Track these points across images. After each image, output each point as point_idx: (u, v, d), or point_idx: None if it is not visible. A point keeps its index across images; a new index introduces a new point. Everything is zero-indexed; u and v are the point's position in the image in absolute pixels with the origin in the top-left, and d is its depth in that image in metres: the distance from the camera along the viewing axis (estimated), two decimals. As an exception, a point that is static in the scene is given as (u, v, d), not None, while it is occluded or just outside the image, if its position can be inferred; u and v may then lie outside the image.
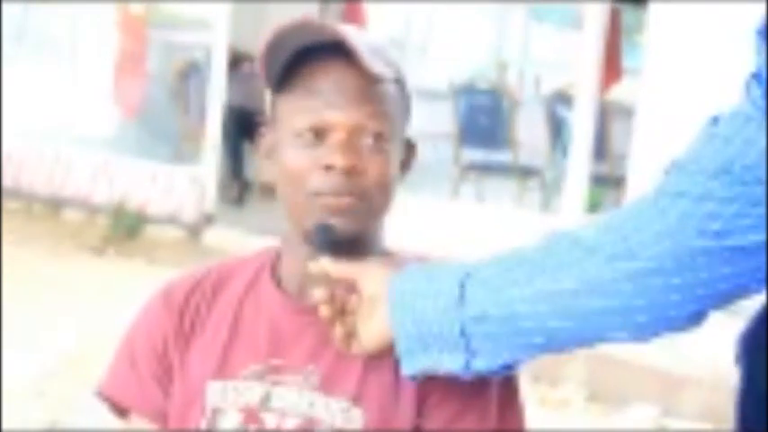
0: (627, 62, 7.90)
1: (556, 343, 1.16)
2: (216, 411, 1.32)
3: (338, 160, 1.24)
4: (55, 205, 8.09)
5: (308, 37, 1.27)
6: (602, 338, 1.15)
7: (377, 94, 1.28)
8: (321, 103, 1.27)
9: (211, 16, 8.05)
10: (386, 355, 1.26)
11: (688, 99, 5.44)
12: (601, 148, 7.16)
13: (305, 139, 1.27)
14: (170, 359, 1.37)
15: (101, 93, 8.86)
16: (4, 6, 8.52)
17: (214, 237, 7.36)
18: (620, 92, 7.78)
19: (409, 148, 1.36)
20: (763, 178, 1.04)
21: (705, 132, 1.10)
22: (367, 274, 1.24)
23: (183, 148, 8.56)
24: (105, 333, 3.39)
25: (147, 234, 7.55)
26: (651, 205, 1.10)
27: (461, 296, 1.16)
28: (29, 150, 8.38)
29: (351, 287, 1.25)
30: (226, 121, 7.68)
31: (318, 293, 1.24)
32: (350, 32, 1.27)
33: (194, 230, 7.54)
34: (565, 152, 7.01)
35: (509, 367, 1.19)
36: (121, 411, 1.40)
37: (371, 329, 1.23)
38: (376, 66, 1.27)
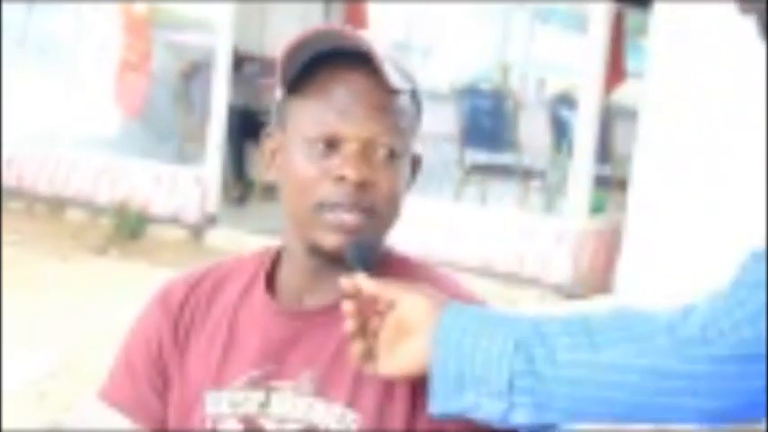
0: (630, 65, 7.90)
1: (608, 416, 1.14)
2: (215, 420, 1.31)
3: (351, 172, 1.22)
4: (57, 205, 8.09)
5: (331, 42, 1.25)
6: (658, 419, 1.12)
7: (394, 108, 1.26)
8: (337, 112, 1.24)
9: (215, 17, 8.06)
10: (402, 383, 1.23)
11: (691, 102, 5.43)
12: (604, 150, 7.16)
13: (317, 148, 1.25)
14: (167, 365, 1.37)
15: (103, 93, 8.87)
16: (7, 7, 8.53)
17: (217, 237, 7.36)
18: (623, 94, 7.77)
19: (415, 161, 1.34)
20: None
21: None
22: (406, 299, 1.19)
23: (185, 149, 8.57)
24: (107, 333, 3.38)
25: (150, 234, 7.55)
26: (730, 296, 1.09)
27: (516, 348, 1.13)
28: (31, 150, 8.38)
29: (375, 307, 1.20)
30: (229, 121, 7.69)
31: (347, 306, 1.19)
32: (371, 43, 1.24)
33: (197, 231, 7.54)
34: (568, 154, 7.00)
35: (548, 427, 1.16)
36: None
37: (398, 357, 1.19)
38: (396, 79, 1.24)
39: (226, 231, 7.39)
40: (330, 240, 1.24)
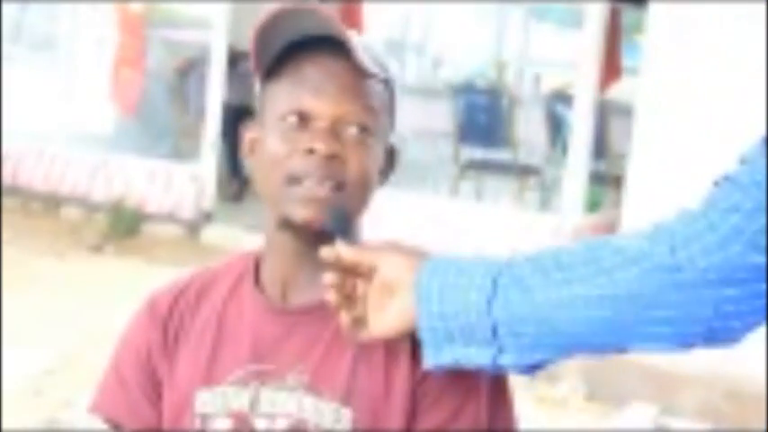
0: (626, 61, 7.90)
1: (589, 347, 1.17)
2: (206, 418, 1.31)
3: (320, 145, 1.24)
4: (53, 203, 8.09)
5: (300, 27, 1.26)
6: (639, 346, 1.14)
7: (364, 89, 1.28)
8: (307, 89, 1.26)
9: (210, 15, 8.05)
10: (377, 342, 1.24)
11: (687, 98, 5.43)
12: (600, 147, 7.16)
13: (288, 123, 1.27)
14: (157, 372, 1.37)
15: (99, 90, 8.86)
16: (2, 5, 8.51)
17: (213, 234, 7.36)
18: (619, 91, 7.78)
19: (391, 155, 1.35)
20: None
21: (759, 147, 1.10)
22: (386, 260, 1.21)
23: (181, 146, 8.56)
24: (104, 331, 3.39)
25: (146, 232, 7.54)
26: (700, 218, 1.10)
27: (494, 292, 1.15)
28: (27, 148, 8.37)
29: (359, 273, 1.22)
30: (224, 118, 7.68)
31: (328, 278, 1.21)
32: (342, 27, 1.26)
33: (193, 228, 7.54)
34: (564, 151, 7.01)
35: (536, 366, 1.19)
36: (116, 426, 1.40)
37: (387, 317, 1.21)
38: (367, 61, 1.27)
39: (222, 228, 7.39)
40: (301, 213, 1.25)
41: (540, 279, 1.15)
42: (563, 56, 11.07)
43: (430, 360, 1.19)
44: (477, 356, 1.17)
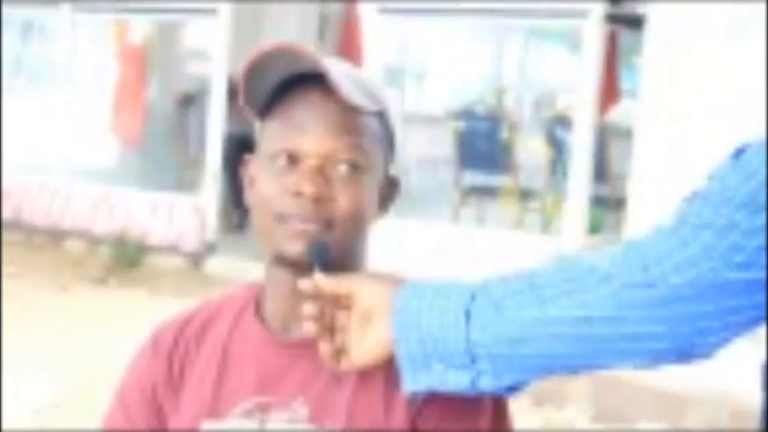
0: (625, 84, 7.92)
1: (565, 367, 1.17)
2: None
3: (307, 187, 1.24)
4: (56, 237, 8.10)
5: (289, 65, 1.27)
6: (612, 364, 1.15)
7: (353, 126, 1.28)
8: (296, 129, 1.27)
9: (210, 46, 8.09)
10: (377, 373, 1.25)
11: (685, 119, 5.45)
12: (600, 169, 7.17)
13: (278, 164, 1.28)
14: (162, 405, 1.37)
15: (100, 124, 8.89)
16: (2, 39, 8.55)
17: (216, 265, 7.36)
18: (618, 113, 7.80)
19: (392, 184, 1.36)
20: None
21: (730, 163, 1.10)
22: (362, 288, 1.22)
23: (183, 178, 8.58)
24: (108, 364, 3.38)
25: (149, 263, 7.55)
26: (672, 235, 1.10)
27: (468, 316, 1.16)
28: (29, 183, 8.39)
29: (340, 303, 1.23)
30: (225, 149, 7.71)
31: (307, 309, 1.23)
32: (330, 62, 1.27)
33: (196, 259, 7.54)
34: (565, 174, 7.02)
35: (514, 388, 1.19)
36: None
37: (366, 345, 1.22)
38: (354, 96, 1.26)
39: (225, 259, 7.39)
40: (292, 248, 1.26)
41: (513, 300, 1.15)
42: (562, 80, 11.11)
43: (408, 385, 1.19)
44: (455, 380, 1.17)
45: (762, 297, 1.07)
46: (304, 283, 1.24)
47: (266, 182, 1.29)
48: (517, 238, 6.96)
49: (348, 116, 1.27)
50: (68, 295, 6.79)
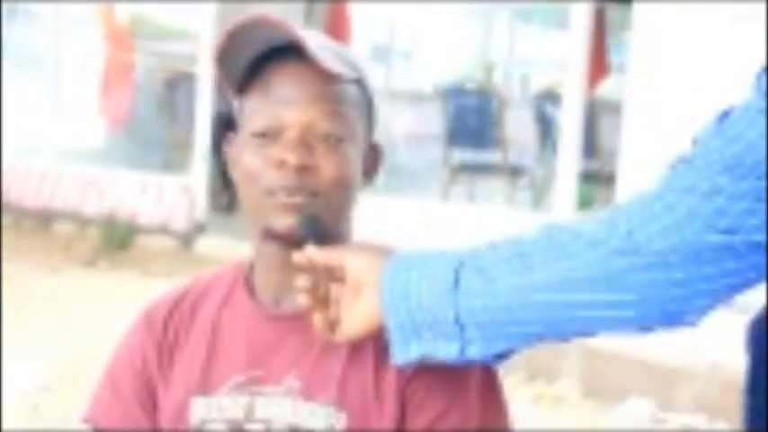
0: (613, 59, 7.92)
1: (552, 334, 1.16)
2: (202, 426, 1.32)
3: (290, 157, 1.25)
4: (45, 219, 8.08)
5: (264, 39, 1.27)
6: (600, 330, 1.15)
7: (333, 94, 1.28)
8: (277, 102, 1.27)
9: (197, 25, 8.05)
10: (367, 344, 1.25)
11: (675, 94, 5.45)
12: (590, 145, 7.17)
13: (261, 139, 1.28)
14: (152, 380, 1.38)
15: (87, 105, 8.86)
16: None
17: (206, 245, 7.36)
18: (607, 89, 7.79)
19: (375, 153, 1.36)
20: None
21: (714, 127, 1.09)
22: (353, 260, 1.22)
23: (171, 158, 8.56)
24: (100, 346, 3.38)
25: (139, 245, 7.54)
26: (657, 200, 1.10)
27: (456, 284, 1.16)
28: (17, 165, 8.36)
29: (334, 275, 1.23)
30: (214, 128, 7.68)
31: (300, 282, 1.23)
32: (306, 33, 1.27)
33: (186, 239, 7.53)
34: (554, 150, 7.02)
35: (503, 356, 1.19)
36: None
37: (356, 316, 1.22)
38: (332, 65, 1.26)
39: (215, 239, 7.38)
40: (281, 222, 1.27)
41: (501, 267, 1.15)
42: (550, 56, 11.09)
43: (398, 357, 1.20)
44: (444, 349, 1.17)
45: (747, 261, 1.06)
46: (297, 256, 1.24)
47: (250, 157, 1.29)
48: (507, 214, 6.97)
49: (327, 85, 1.27)
50: (58, 278, 6.78)
